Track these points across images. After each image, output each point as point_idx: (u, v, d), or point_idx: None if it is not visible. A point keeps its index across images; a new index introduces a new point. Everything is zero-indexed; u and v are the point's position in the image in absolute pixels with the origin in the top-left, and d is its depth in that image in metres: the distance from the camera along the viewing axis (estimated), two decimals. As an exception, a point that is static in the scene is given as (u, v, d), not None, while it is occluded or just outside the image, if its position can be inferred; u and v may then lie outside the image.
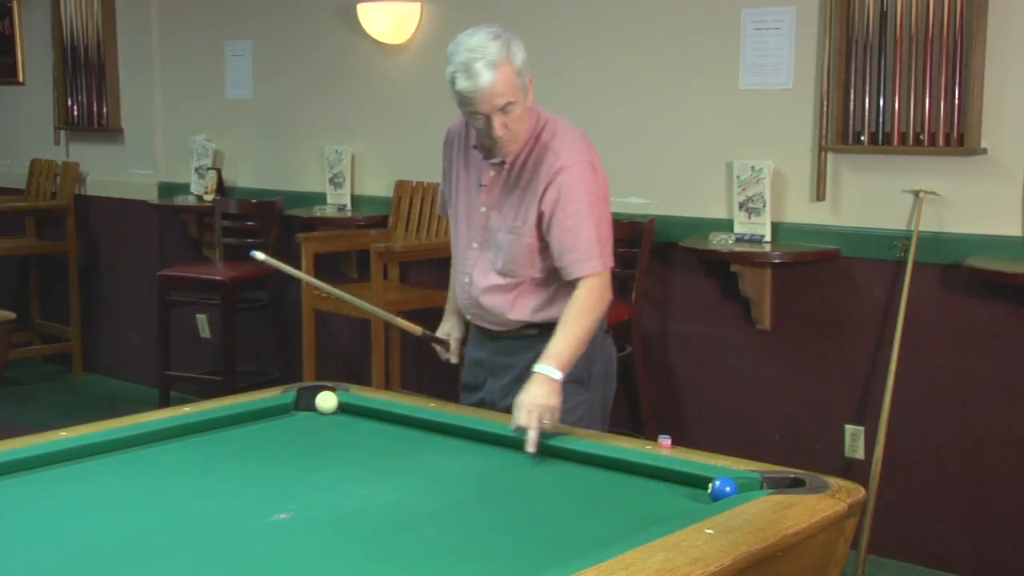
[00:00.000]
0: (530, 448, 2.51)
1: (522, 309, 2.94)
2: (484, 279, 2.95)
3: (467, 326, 3.17)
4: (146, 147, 6.55)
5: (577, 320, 2.77)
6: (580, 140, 2.89)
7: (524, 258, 2.88)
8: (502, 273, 2.92)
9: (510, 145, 2.83)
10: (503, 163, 2.89)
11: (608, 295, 2.86)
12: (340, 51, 5.61)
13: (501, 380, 3.01)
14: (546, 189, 2.81)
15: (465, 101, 2.75)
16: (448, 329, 3.21)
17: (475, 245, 2.97)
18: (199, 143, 6.18)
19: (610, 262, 2.85)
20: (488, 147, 2.88)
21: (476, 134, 2.91)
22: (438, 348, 3.20)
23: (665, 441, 2.49)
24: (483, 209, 2.95)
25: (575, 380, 2.85)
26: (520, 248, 2.88)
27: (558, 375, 2.67)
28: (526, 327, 2.96)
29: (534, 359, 2.75)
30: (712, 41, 4.44)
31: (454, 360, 3.19)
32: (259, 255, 3.06)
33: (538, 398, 2.60)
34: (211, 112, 6.24)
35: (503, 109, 2.74)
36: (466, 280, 3.00)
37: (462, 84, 2.72)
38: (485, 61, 2.69)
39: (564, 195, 2.79)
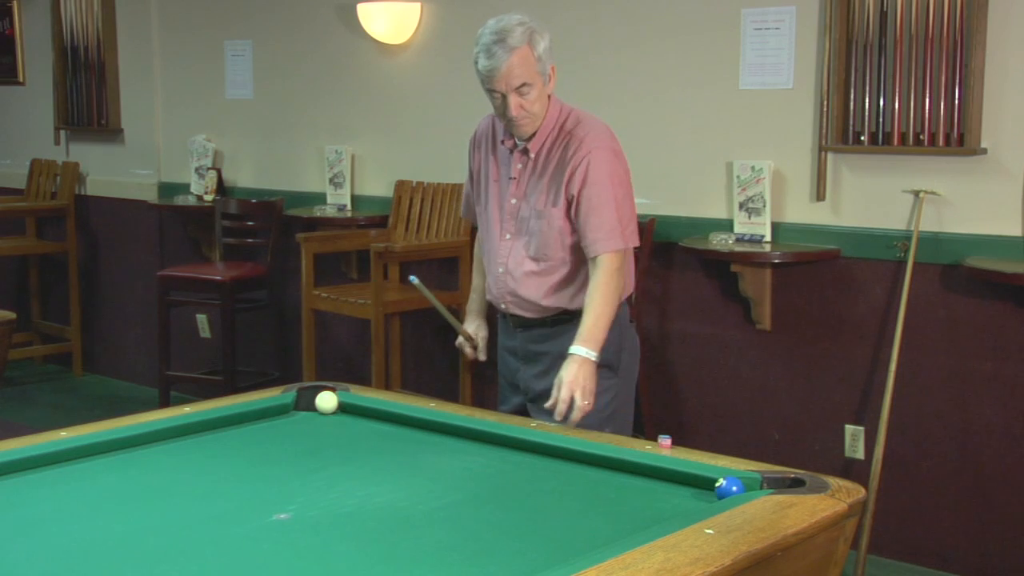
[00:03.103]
0: (557, 417, 2.80)
1: (556, 296, 3.08)
2: (519, 266, 3.08)
3: (490, 326, 3.32)
4: (146, 147, 6.55)
5: (602, 299, 2.92)
6: (602, 128, 3.06)
7: (556, 241, 3.02)
8: (535, 258, 3.06)
9: (527, 126, 2.99)
10: (526, 151, 3.03)
11: (625, 271, 3.00)
12: (340, 51, 5.61)
13: (535, 367, 3.13)
14: (572, 174, 2.98)
15: (485, 79, 2.93)
16: (474, 329, 3.31)
17: (508, 236, 3.11)
18: (199, 143, 6.18)
19: (634, 241, 3.03)
20: (507, 128, 3.03)
21: (503, 126, 3.07)
22: (466, 348, 3.29)
23: (665, 441, 2.49)
24: (514, 201, 3.09)
25: (606, 365, 2.98)
26: (551, 232, 3.02)
27: (593, 355, 2.86)
28: (560, 314, 3.08)
29: (566, 345, 2.89)
30: (712, 41, 4.44)
31: (482, 358, 3.31)
32: (415, 280, 3.11)
33: (578, 378, 2.82)
34: (211, 112, 6.24)
35: (518, 90, 2.91)
36: (500, 270, 3.12)
37: (482, 63, 2.91)
38: (505, 44, 2.88)
39: (589, 178, 2.96)
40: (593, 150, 2.97)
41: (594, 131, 3.01)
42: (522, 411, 3.16)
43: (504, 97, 2.93)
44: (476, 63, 2.94)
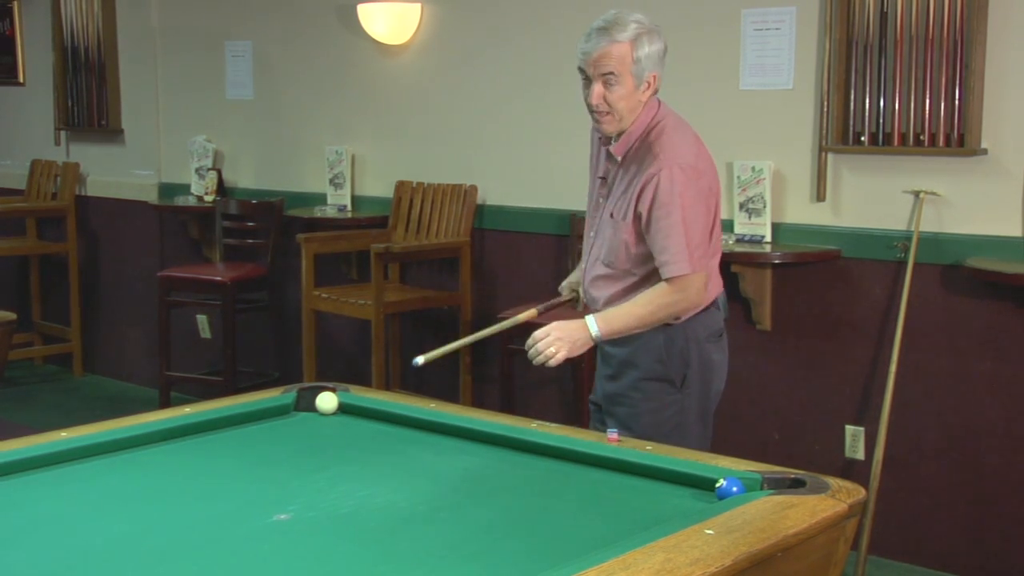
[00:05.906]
0: (527, 348, 2.83)
1: (613, 306, 3.02)
2: (593, 267, 3.08)
3: None
4: (146, 147, 6.55)
5: (645, 302, 2.89)
6: (683, 143, 2.95)
7: (621, 251, 2.98)
8: (605, 263, 3.04)
9: (606, 122, 2.94)
10: (611, 155, 3.00)
11: (692, 296, 2.91)
12: (340, 51, 5.61)
13: (604, 369, 3.13)
14: (642, 190, 2.90)
15: (579, 60, 2.93)
16: (572, 285, 3.29)
17: (592, 233, 3.11)
18: (199, 144, 6.18)
19: (700, 266, 2.90)
20: (592, 120, 2.98)
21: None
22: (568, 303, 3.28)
23: (612, 435, 2.54)
24: (600, 200, 3.08)
25: (666, 380, 2.94)
26: (616, 240, 2.99)
27: (595, 331, 2.84)
28: None
29: (629, 353, 2.89)
30: (712, 41, 4.44)
31: (579, 308, 3.27)
32: (421, 361, 2.97)
33: (565, 330, 2.83)
34: (211, 112, 6.24)
35: (604, 78, 2.88)
36: (583, 265, 3.14)
37: (580, 45, 2.93)
38: (607, 32, 2.88)
39: (658, 197, 2.87)
40: (663, 168, 2.86)
41: (671, 146, 2.91)
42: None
43: (589, 83, 2.90)
44: (577, 46, 2.94)
